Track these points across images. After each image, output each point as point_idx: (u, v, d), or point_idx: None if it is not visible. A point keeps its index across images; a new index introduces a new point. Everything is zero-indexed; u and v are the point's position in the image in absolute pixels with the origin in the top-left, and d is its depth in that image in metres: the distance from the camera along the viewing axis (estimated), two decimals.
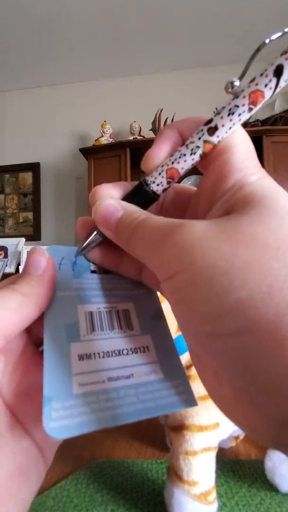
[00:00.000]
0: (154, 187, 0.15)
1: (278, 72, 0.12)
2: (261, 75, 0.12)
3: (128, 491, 0.32)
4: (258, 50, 0.12)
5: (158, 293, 0.18)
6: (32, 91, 2.53)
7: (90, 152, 2.09)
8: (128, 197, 0.15)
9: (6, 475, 0.12)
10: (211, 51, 2.15)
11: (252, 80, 0.12)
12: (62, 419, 0.12)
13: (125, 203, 0.15)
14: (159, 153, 0.14)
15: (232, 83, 0.13)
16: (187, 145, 0.14)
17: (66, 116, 2.45)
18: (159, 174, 0.14)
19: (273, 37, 0.12)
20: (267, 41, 0.12)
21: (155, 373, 0.14)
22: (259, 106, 0.13)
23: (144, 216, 0.13)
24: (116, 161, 2.01)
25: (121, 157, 2.01)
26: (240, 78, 0.13)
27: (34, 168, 2.46)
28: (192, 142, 0.13)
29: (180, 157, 0.14)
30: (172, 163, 0.14)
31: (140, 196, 0.15)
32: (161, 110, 2.02)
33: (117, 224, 0.14)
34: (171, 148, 0.14)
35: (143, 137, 2.08)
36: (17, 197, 2.49)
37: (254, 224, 0.10)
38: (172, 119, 2.02)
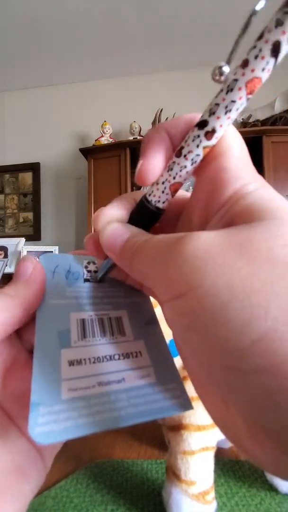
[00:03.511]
0: (160, 205, 0.14)
1: (275, 50, 0.09)
2: (256, 57, 0.10)
3: (128, 491, 0.32)
4: (247, 25, 0.11)
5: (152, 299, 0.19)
6: (32, 91, 2.52)
7: (90, 152, 2.09)
8: (133, 217, 0.15)
9: (4, 472, 0.12)
10: (211, 51, 2.15)
11: (246, 65, 0.10)
12: (48, 424, 0.11)
13: (131, 227, 0.14)
14: (154, 168, 0.13)
15: (220, 68, 0.10)
16: (185, 156, 0.12)
17: (66, 116, 2.45)
18: (163, 192, 0.13)
19: (261, 2, 0.10)
20: (257, 7, 0.10)
21: (148, 377, 0.14)
22: (255, 92, 0.11)
23: (148, 237, 0.13)
24: (116, 161, 2.01)
25: (121, 157, 2.01)
26: (228, 61, 0.11)
27: (34, 168, 2.46)
28: (190, 152, 0.12)
29: (181, 170, 0.13)
30: (174, 178, 0.13)
31: (145, 214, 0.14)
32: (161, 110, 2.02)
33: (121, 249, 0.14)
34: (165, 157, 0.13)
35: (143, 137, 2.08)
36: (17, 197, 2.49)
37: (269, 236, 0.09)
38: None
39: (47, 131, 2.46)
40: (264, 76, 0.10)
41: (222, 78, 0.11)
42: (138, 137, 2.08)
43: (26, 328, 0.15)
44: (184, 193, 0.16)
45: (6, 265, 1.83)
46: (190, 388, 0.15)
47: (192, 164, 0.12)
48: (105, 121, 2.15)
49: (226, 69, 0.10)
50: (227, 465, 0.36)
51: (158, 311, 0.18)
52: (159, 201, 0.14)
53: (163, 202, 0.14)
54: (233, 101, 0.11)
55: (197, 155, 0.12)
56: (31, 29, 1.94)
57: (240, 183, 0.11)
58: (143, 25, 1.93)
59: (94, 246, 0.16)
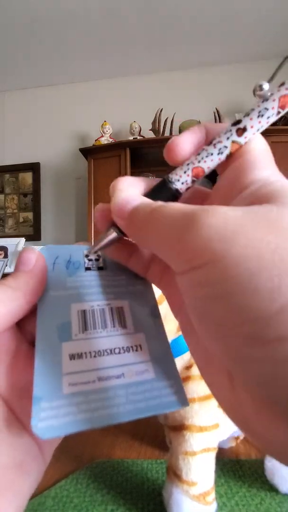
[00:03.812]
0: (178, 185, 0.14)
1: None
2: None
3: (128, 491, 0.32)
4: (286, 58, 0.13)
5: (157, 293, 0.18)
6: (32, 91, 2.52)
7: (90, 152, 2.09)
8: (149, 194, 0.15)
9: (5, 468, 0.12)
10: (211, 51, 2.15)
11: (282, 84, 0.12)
12: (49, 419, 0.12)
13: (144, 198, 0.14)
14: (183, 145, 0.14)
15: (260, 86, 0.13)
16: (214, 144, 0.13)
17: (66, 116, 2.45)
18: (184, 172, 0.14)
19: None
20: None
21: (147, 373, 0.14)
22: (286, 109, 0.13)
23: (161, 203, 0.12)
24: (116, 161, 2.01)
25: (121, 157, 2.01)
26: (269, 81, 0.13)
27: (34, 168, 2.46)
28: (219, 142, 0.13)
29: (207, 156, 0.14)
30: (199, 162, 0.14)
31: (162, 193, 0.15)
32: (161, 110, 2.02)
33: (131, 213, 0.13)
34: (196, 142, 0.14)
35: (143, 137, 2.08)
36: (17, 197, 2.49)
37: None
38: (172, 119, 2.03)
39: (47, 131, 2.46)
40: None
41: (262, 93, 0.13)
42: (138, 137, 2.09)
43: (27, 319, 0.15)
44: (206, 189, 0.16)
45: (6, 265, 1.83)
46: (193, 388, 0.15)
47: (218, 154, 0.13)
48: (105, 121, 2.15)
49: (265, 86, 0.13)
50: (227, 465, 0.36)
51: (161, 308, 0.18)
52: (178, 180, 0.14)
53: (182, 183, 0.14)
54: (266, 109, 0.13)
55: (225, 146, 0.13)
56: (31, 29, 1.94)
57: (263, 173, 0.12)
58: (143, 25, 1.93)
59: (100, 212, 0.16)
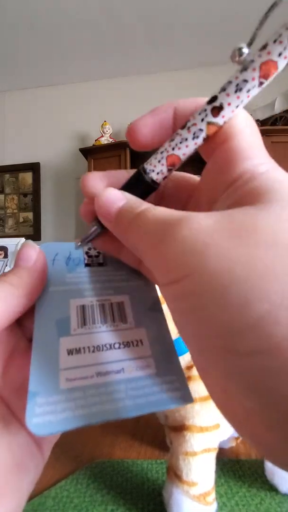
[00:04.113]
0: (153, 176, 0.13)
1: None
2: (275, 41, 0.10)
3: (128, 491, 0.32)
4: (268, 12, 0.11)
5: (158, 291, 0.18)
6: (32, 91, 2.52)
7: (90, 152, 2.09)
8: (125, 187, 0.14)
9: (3, 466, 0.12)
10: (211, 51, 2.15)
11: (264, 48, 0.10)
12: (45, 415, 0.11)
13: (128, 194, 0.14)
14: (143, 128, 0.13)
15: (240, 49, 0.11)
16: (188, 128, 0.12)
17: (66, 116, 2.45)
18: (159, 161, 0.13)
19: None
20: None
21: (148, 368, 0.14)
22: (270, 79, 0.11)
23: (146, 206, 0.12)
24: (116, 161, 2.01)
25: (121, 157, 2.01)
26: (249, 44, 0.11)
27: (34, 168, 2.46)
28: (194, 125, 0.12)
29: (181, 142, 0.12)
30: (173, 149, 0.13)
31: (139, 185, 0.14)
32: None
33: (117, 214, 0.13)
34: (159, 123, 0.13)
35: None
36: (17, 197, 2.49)
37: (274, 221, 0.09)
38: None
39: (47, 131, 2.46)
40: (281, 62, 0.10)
41: (241, 59, 0.11)
42: None
43: (26, 315, 0.15)
44: (194, 177, 0.16)
45: (6, 265, 1.83)
46: (194, 387, 0.14)
47: (193, 138, 0.12)
48: (105, 121, 2.15)
49: (245, 50, 0.11)
50: (227, 465, 0.36)
51: (165, 307, 0.18)
52: (153, 171, 0.13)
53: (157, 173, 0.13)
54: (245, 80, 0.11)
55: (200, 129, 0.12)
56: (31, 29, 1.94)
57: (250, 164, 0.11)
58: (143, 25, 1.93)
59: (85, 208, 0.15)
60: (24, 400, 0.13)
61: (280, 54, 0.10)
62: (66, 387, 0.12)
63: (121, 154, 2.01)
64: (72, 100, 2.47)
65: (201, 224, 0.09)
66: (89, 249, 0.18)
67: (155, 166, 0.13)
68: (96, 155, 2.08)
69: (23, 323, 0.16)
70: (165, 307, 0.18)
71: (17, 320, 0.15)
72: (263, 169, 0.11)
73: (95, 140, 2.16)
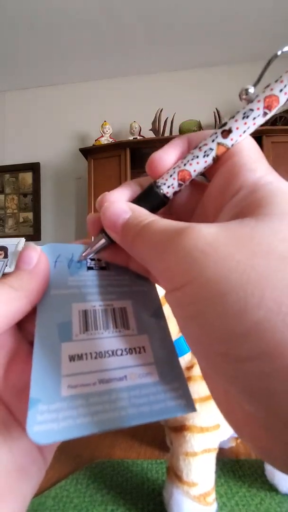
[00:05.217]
0: (164, 189, 0.14)
1: None
2: (276, 81, 0.12)
3: (128, 491, 0.32)
4: (269, 62, 0.13)
5: (161, 294, 0.18)
6: (32, 91, 2.52)
7: (90, 152, 2.09)
8: (137, 200, 0.15)
9: (5, 472, 0.12)
10: (211, 51, 2.15)
11: (267, 86, 0.13)
12: (47, 423, 0.11)
13: (133, 206, 0.14)
14: (166, 157, 0.14)
15: (246, 90, 0.13)
16: (200, 147, 0.14)
17: (66, 116, 2.45)
18: (170, 176, 0.14)
19: (285, 49, 0.12)
20: (278, 53, 0.13)
21: (151, 375, 0.13)
22: (274, 111, 0.13)
23: (151, 219, 0.13)
24: (116, 161, 2.01)
25: (121, 157, 2.01)
26: (255, 85, 0.13)
27: (34, 168, 2.46)
28: (205, 145, 0.13)
29: (192, 159, 0.14)
30: (184, 165, 0.14)
31: (150, 199, 0.15)
32: (161, 110, 2.02)
33: (123, 226, 0.14)
34: (179, 154, 0.14)
35: (143, 137, 2.08)
36: (17, 197, 2.49)
37: (272, 231, 0.09)
38: (172, 119, 2.03)
39: (47, 131, 2.47)
40: (282, 97, 0.12)
41: (247, 96, 0.13)
42: (138, 137, 2.09)
43: (28, 319, 0.15)
44: (201, 182, 0.16)
45: (6, 265, 1.83)
46: (194, 388, 0.14)
47: (204, 156, 0.14)
48: (105, 121, 2.15)
49: (251, 90, 0.13)
50: (227, 465, 0.36)
51: (166, 308, 0.18)
52: (164, 184, 0.14)
53: (168, 187, 0.14)
54: (251, 110, 0.13)
55: (210, 148, 0.13)
56: (31, 29, 1.94)
57: (254, 176, 0.12)
58: (143, 25, 1.93)
59: (92, 221, 0.16)
60: (25, 404, 0.12)
61: (281, 91, 0.12)
62: (68, 394, 0.12)
63: (121, 154, 2.01)
64: (72, 100, 2.47)
65: (202, 234, 0.10)
66: None
67: (166, 179, 0.14)
68: (96, 155, 2.08)
69: (24, 326, 0.15)
70: (164, 308, 0.18)
71: (18, 323, 0.15)
72: (266, 181, 0.12)
73: (95, 140, 2.16)
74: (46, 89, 2.51)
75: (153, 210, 0.15)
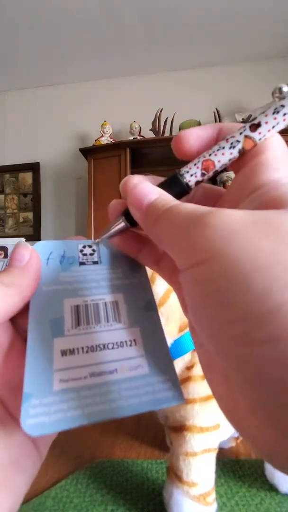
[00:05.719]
0: (187, 178, 0.14)
1: None
2: None
3: (128, 491, 0.32)
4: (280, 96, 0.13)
5: (161, 292, 0.18)
6: (32, 91, 2.52)
7: (90, 152, 2.09)
8: (159, 187, 0.15)
9: (0, 466, 0.12)
10: (211, 51, 2.15)
11: None
12: (39, 416, 0.12)
13: (162, 190, 0.14)
14: (191, 137, 0.14)
15: (280, 88, 0.13)
16: (227, 139, 0.14)
17: (66, 116, 2.45)
18: (194, 164, 0.14)
19: None
20: (285, 89, 0.13)
21: (141, 368, 0.14)
22: None
23: (178, 202, 0.13)
24: (116, 161, 2.01)
25: (121, 157, 2.01)
26: None
27: (34, 168, 2.46)
28: (233, 137, 0.13)
29: (218, 150, 0.14)
30: (210, 155, 0.14)
31: (172, 187, 0.15)
32: (161, 110, 2.01)
33: (148, 206, 0.14)
34: (206, 137, 0.14)
35: (143, 137, 2.08)
36: (17, 197, 2.49)
37: None
38: (172, 119, 2.03)
39: (47, 131, 2.46)
40: None
41: (281, 95, 0.13)
42: (138, 137, 2.08)
43: (21, 315, 0.15)
44: (221, 189, 0.16)
45: (6, 265, 1.83)
46: (194, 388, 0.14)
47: (230, 148, 0.13)
48: (105, 121, 2.15)
49: (285, 89, 0.13)
50: (227, 465, 0.36)
51: (166, 308, 0.18)
52: (187, 172, 0.14)
53: (191, 175, 0.14)
54: (283, 106, 0.13)
55: (237, 141, 0.13)
56: (31, 29, 1.94)
57: (277, 175, 0.12)
58: (143, 25, 1.93)
59: (115, 205, 0.16)
60: (19, 399, 0.13)
61: None
62: (60, 388, 0.12)
63: (121, 154, 2.01)
64: (72, 100, 2.47)
65: (230, 215, 0.10)
66: (84, 247, 0.18)
67: (190, 168, 0.14)
68: (96, 155, 2.08)
69: (18, 323, 0.16)
70: (163, 308, 0.18)
71: (12, 320, 0.15)
72: (286, 181, 0.12)
73: (95, 140, 2.16)
74: (46, 89, 2.51)
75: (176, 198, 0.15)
